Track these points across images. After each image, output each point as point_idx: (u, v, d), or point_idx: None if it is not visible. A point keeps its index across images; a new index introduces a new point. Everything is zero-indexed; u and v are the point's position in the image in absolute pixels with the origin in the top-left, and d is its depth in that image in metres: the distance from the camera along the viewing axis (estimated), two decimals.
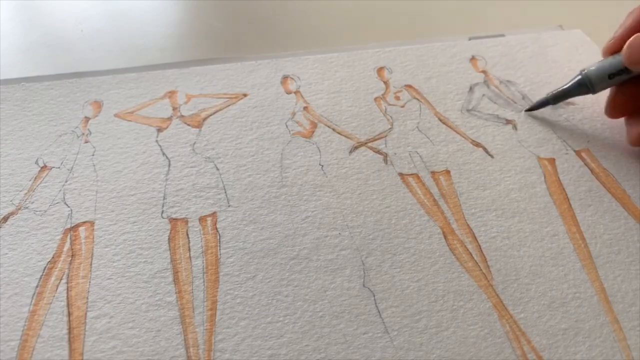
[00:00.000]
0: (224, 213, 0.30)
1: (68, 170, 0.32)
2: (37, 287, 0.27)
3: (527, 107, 0.37)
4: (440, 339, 0.26)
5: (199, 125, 0.35)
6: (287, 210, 0.31)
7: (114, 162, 0.33)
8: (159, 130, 0.35)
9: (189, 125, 0.35)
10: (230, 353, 0.25)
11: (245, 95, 0.38)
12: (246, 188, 0.32)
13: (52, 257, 0.28)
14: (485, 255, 0.29)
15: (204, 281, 0.27)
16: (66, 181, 0.32)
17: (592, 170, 0.34)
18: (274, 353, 0.25)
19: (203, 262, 0.28)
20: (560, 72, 0.41)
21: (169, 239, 0.29)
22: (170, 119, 0.36)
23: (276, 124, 0.36)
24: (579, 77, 0.35)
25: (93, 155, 0.33)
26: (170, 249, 0.29)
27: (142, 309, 0.26)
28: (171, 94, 0.37)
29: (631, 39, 0.32)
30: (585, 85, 0.35)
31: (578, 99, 0.37)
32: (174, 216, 0.30)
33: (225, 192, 0.31)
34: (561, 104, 0.37)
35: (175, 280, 0.27)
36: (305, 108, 0.37)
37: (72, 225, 0.29)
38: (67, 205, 0.30)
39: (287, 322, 0.26)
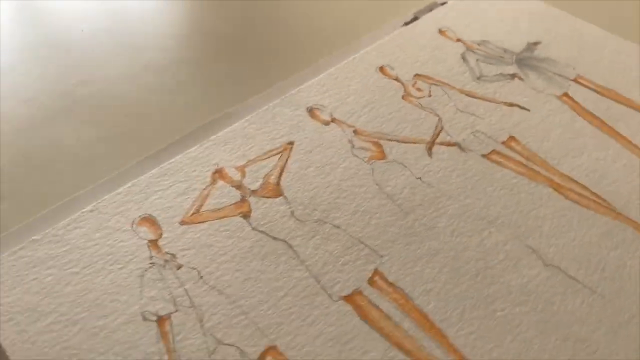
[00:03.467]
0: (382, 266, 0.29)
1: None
2: None
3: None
4: None
5: (278, 193, 0.32)
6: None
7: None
8: (245, 216, 0.30)
9: (267, 197, 0.31)
10: None
11: (290, 143, 0.35)
12: (382, 231, 0.30)
13: None
14: (597, 193, 0.33)
15: None
16: None
17: (595, 90, 0.40)
18: None
19: None
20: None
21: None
22: (244, 199, 0.31)
23: (344, 159, 0.34)
24: None
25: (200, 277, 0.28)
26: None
27: None
28: (219, 173, 0.32)
29: None
30: None
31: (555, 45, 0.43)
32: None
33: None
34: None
35: None
36: (355, 132, 0.36)
37: None
38: None
39: None
